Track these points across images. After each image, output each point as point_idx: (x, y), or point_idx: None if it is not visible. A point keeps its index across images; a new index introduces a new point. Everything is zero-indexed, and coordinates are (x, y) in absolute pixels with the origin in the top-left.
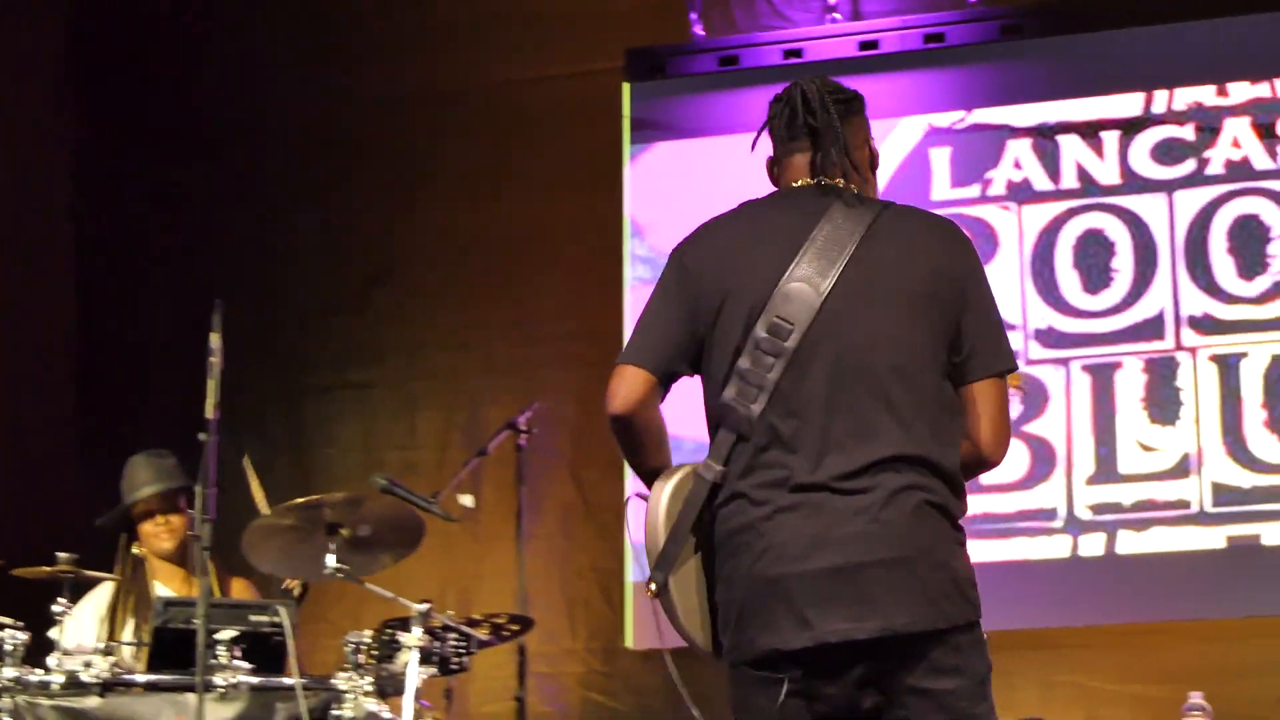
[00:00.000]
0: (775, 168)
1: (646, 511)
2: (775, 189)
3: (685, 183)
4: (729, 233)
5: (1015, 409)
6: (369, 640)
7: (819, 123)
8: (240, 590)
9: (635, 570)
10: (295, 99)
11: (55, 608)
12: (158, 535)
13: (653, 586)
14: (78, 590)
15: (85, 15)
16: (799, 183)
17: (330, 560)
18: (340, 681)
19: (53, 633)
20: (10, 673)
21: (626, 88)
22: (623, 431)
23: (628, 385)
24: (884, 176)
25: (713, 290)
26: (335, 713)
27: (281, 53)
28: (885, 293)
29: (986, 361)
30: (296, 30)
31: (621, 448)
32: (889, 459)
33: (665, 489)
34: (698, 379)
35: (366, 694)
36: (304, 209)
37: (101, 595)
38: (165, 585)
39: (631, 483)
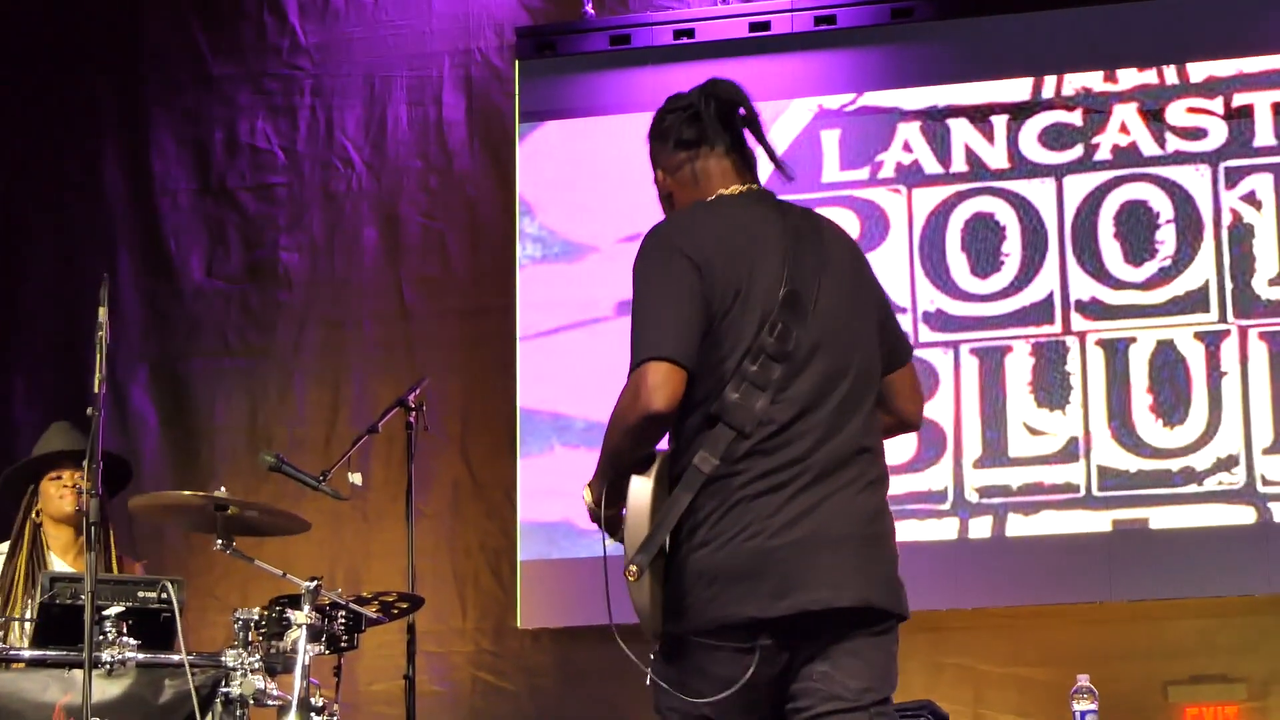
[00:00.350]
0: (686, 169)
1: (632, 498)
2: (695, 189)
3: (576, 162)
4: (720, 230)
5: None
6: (258, 617)
7: (735, 127)
8: (135, 572)
9: (524, 549)
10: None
11: None
12: (61, 496)
13: (634, 569)
14: None
15: None
16: (738, 188)
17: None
18: (229, 658)
19: None
20: None
21: (517, 65)
22: (657, 430)
23: (673, 383)
24: None
25: (726, 289)
26: (224, 690)
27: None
28: (851, 295)
29: (906, 347)
30: None
31: (640, 443)
32: (861, 450)
33: (650, 478)
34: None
35: (255, 671)
36: (185, 176)
37: None
38: (61, 558)
39: (522, 463)
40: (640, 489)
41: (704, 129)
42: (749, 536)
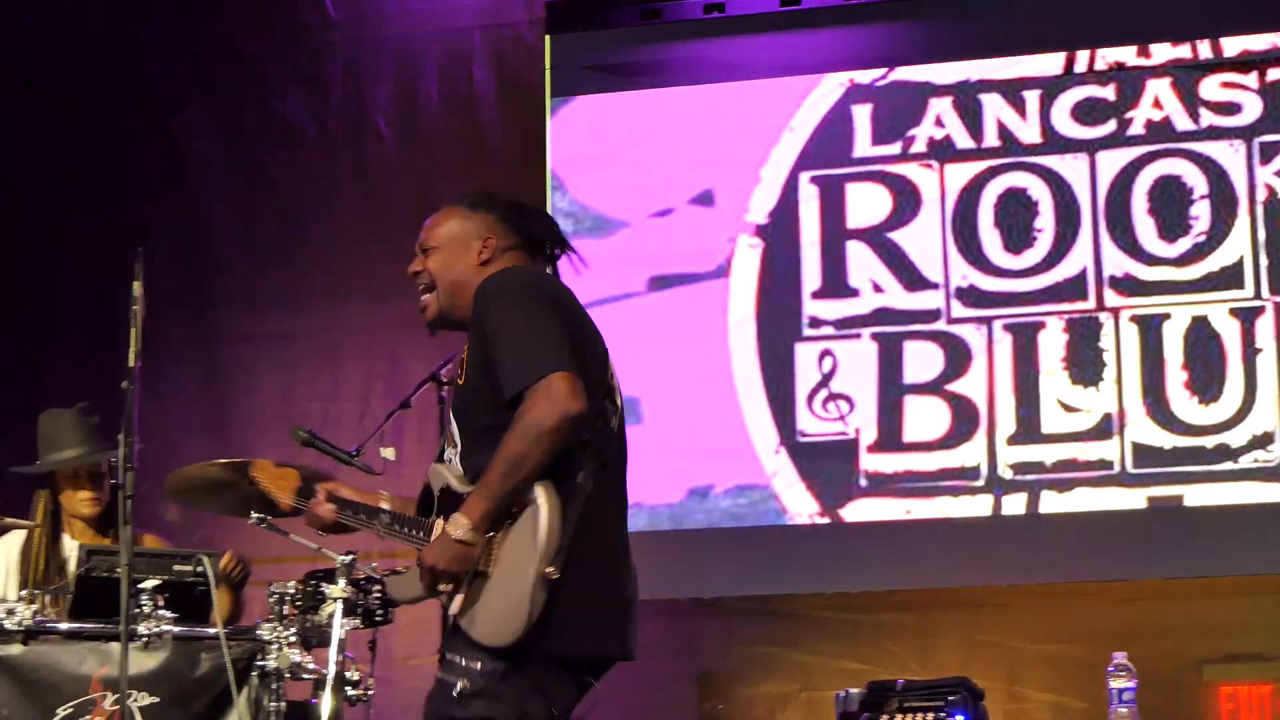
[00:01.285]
0: (500, 244)
1: (547, 508)
2: (503, 260)
3: (606, 136)
4: (570, 295)
5: None
6: (293, 591)
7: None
8: (152, 544)
9: None
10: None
11: None
12: (82, 502)
13: (553, 570)
14: None
15: None
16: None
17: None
18: (265, 632)
19: None
20: None
21: (548, 40)
22: (577, 431)
23: (581, 390)
24: (805, 134)
25: (593, 343)
26: (260, 663)
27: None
28: None
29: None
30: None
31: (558, 448)
32: None
33: (555, 491)
34: None
35: (291, 645)
36: (219, 153)
37: (12, 542)
38: (79, 540)
39: None
40: (554, 500)
41: (539, 231)
42: (613, 572)
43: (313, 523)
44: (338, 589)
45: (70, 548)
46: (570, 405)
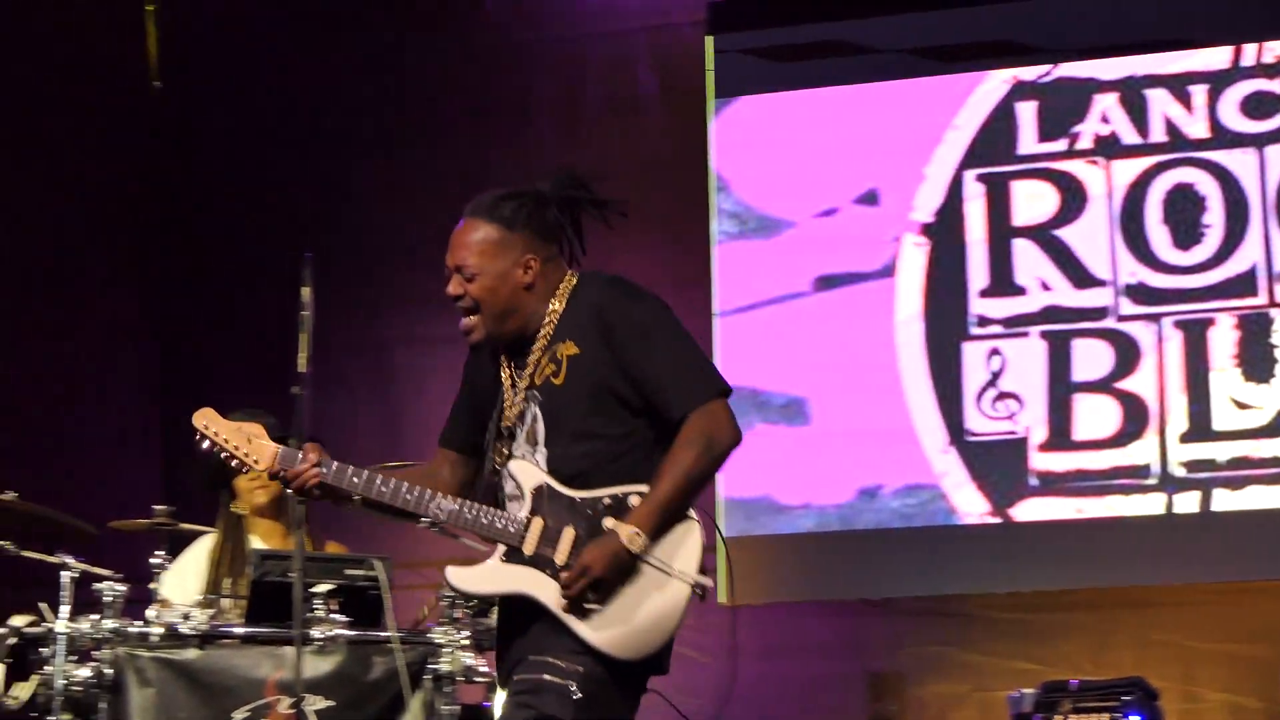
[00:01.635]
0: (541, 261)
1: (699, 528)
2: (546, 274)
3: (770, 136)
4: None
5: None
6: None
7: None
8: (334, 549)
9: (726, 526)
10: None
11: (153, 560)
12: (253, 491)
13: (702, 592)
14: (175, 543)
15: None
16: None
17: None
18: (437, 635)
19: (151, 585)
20: (110, 625)
21: (709, 40)
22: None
23: None
24: (970, 132)
25: None
26: (433, 667)
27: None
28: None
29: None
30: None
31: (717, 470)
32: None
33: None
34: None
35: (463, 648)
36: (387, 154)
37: (199, 549)
38: (264, 542)
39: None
40: (697, 527)
41: (567, 230)
42: None
43: (305, 494)
44: None
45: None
46: (738, 432)
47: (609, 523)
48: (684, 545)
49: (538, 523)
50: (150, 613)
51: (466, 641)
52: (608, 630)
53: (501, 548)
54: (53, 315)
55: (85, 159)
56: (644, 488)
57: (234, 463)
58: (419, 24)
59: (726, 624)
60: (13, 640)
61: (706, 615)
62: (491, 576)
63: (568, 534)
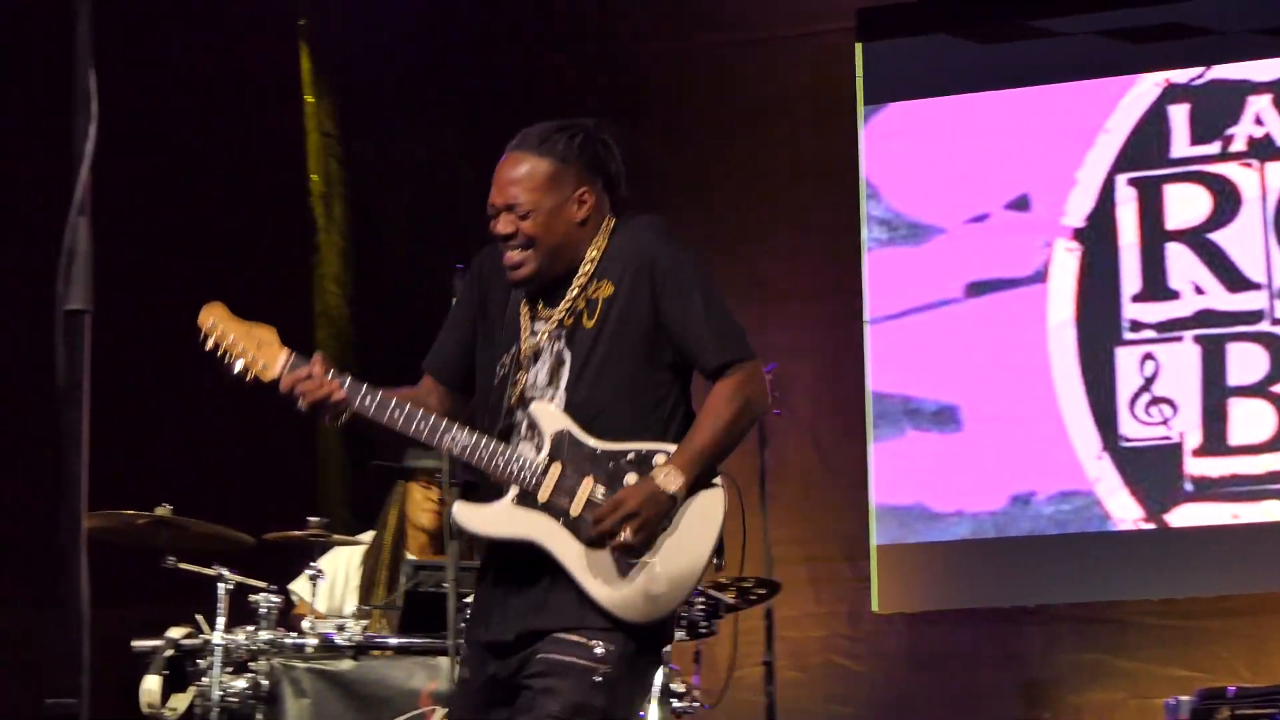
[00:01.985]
0: (600, 199)
1: (726, 495)
2: (596, 213)
3: (920, 143)
4: None
5: None
6: None
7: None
8: None
9: (878, 534)
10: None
11: (307, 571)
12: (423, 508)
13: (720, 563)
14: (324, 554)
15: None
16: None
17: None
18: None
19: (306, 595)
20: (266, 636)
21: (859, 47)
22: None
23: None
24: (1121, 135)
25: None
26: None
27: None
28: None
29: None
30: None
31: (748, 434)
32: None
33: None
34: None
35: None
36: None
37: (340, 557)
38: (416, 554)
39: (874, 447)
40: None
41: (618, 168)
42: None
43: (317, 409)
44: None
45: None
46: (769, 400)
47: (631, 478)
48: (709, 510)
49: (556, 468)
50: (305, 624)
51: None
52: (616, 590)
53: (514, 490)
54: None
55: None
56: (669, 447)
57: (238, 369)
58: (566, 30)
59: (880, 633)
60: (170, 652)
61: (859, 624)
62: (501, 519)
63: (586, 484)
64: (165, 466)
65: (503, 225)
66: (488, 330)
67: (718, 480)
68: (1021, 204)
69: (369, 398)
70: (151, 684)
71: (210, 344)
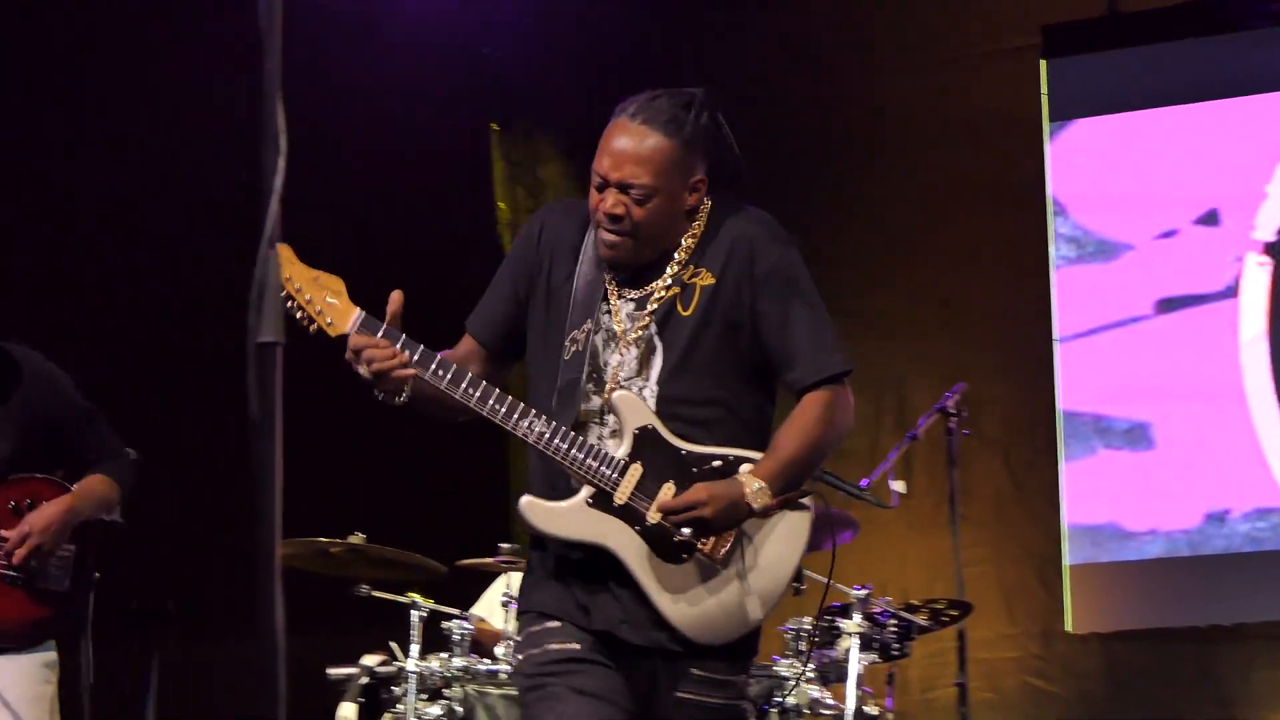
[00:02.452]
0: (703, 185)
1: (811, 516)
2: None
3: (1107, 159)
4: None
5: None
6: (809, 627)
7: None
8: None
9: (1071, 553)
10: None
11: (501, 598)
12: None
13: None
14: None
15: None
16: None
17: None
18: (783, 668)
19: (499, 622)
20: (459, 663)
21: (1044, 65)
22: None
23: None
24: None
25: None
26: (779, 699)
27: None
28: None
29: None
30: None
31: (824, 460)
32: None
33: None
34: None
35: (809, 680)
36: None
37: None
38: None
39: (1065, 466)
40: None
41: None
42: None
43: (380, 380)
44: (853, 623)
45: None
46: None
47: None
48: (795, 531)
49: (636, 470)
50: (499, 650)
51: (812, 674)
52: (689, 607)
53: (587, 489)
54: None
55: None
56: (755, 455)
57: (300, 318)
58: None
59: (1074, 653)
60: (365, 680)
61: (1053, 644)
62: (572, 519)
63: (666, 491)
64: (358, 494)
65: (611, 204)
66: (550, 299)
67: (807, 501)
68: (1211, 219)
69: (441, 370)
70: (347, 711)
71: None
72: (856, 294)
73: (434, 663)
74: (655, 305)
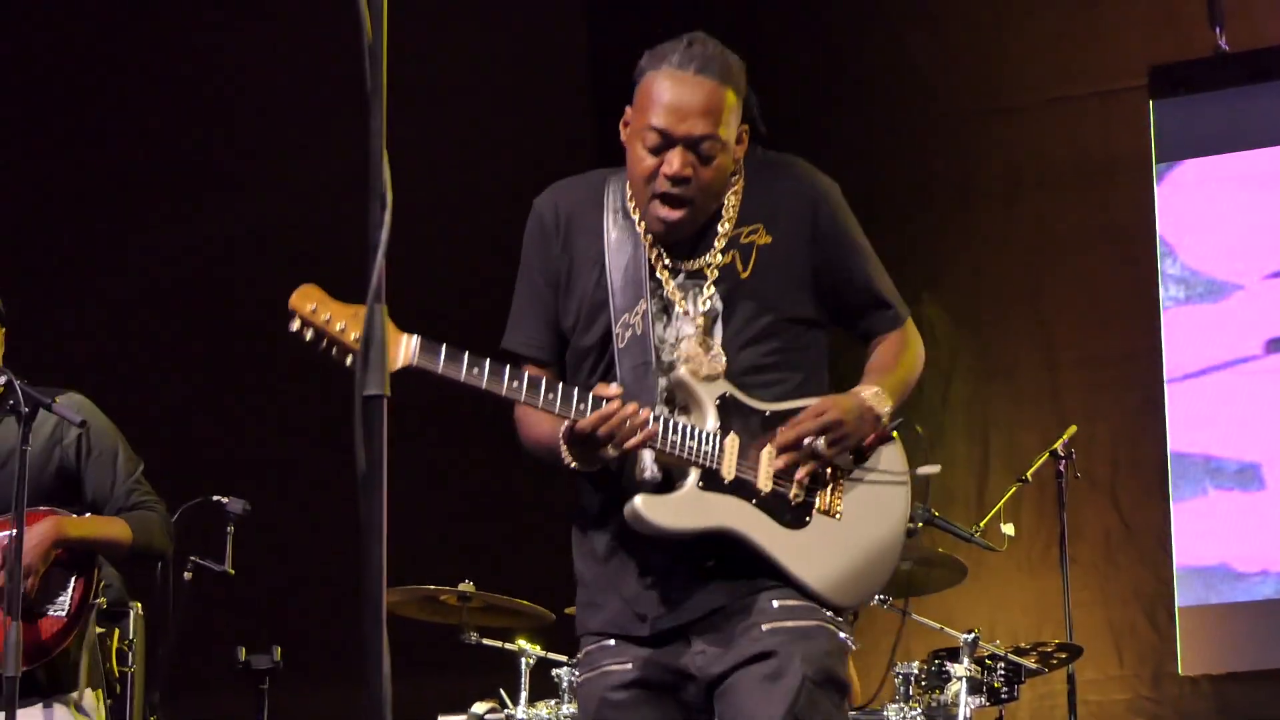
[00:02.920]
0: (746, 136)
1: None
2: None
3: (1215, 200)
4: None
5: None
6: (917, 671)
7: None
8: None
9: (1181, 595)
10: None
11: None
12: None
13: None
14: None
15: None
16: None
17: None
18: (891, 713)
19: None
20: (568, 710)
21: (1151, 105)
22: None
23: None
24: None
25: None
26: None
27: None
28: None
29: None
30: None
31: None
32: None
33: None
34: None
35: None
36: None
37: None
38: None
39: (1175, 508)
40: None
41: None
42: None
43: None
44: (962, 667)
45: None
46: None
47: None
48: (895, 464)
49: (733, 439)
50: None
51: (920, 718)
52: (827, 570)
53: (695, 473)
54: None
55: None
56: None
57: (334, 352)
58: (861, 100)
59: (1185, 695)
60: None
61: (1163, 686)
62: (692, 507)
63: (767, 453)
64: (466, 542)
65: (680, 165)
66: (582, 286)
67: (894, 433)
68: None
69: (515, 381)
70: None
71: (309, 333)
72: (966, 337)
73: (543, 709)
74: (715, 274)
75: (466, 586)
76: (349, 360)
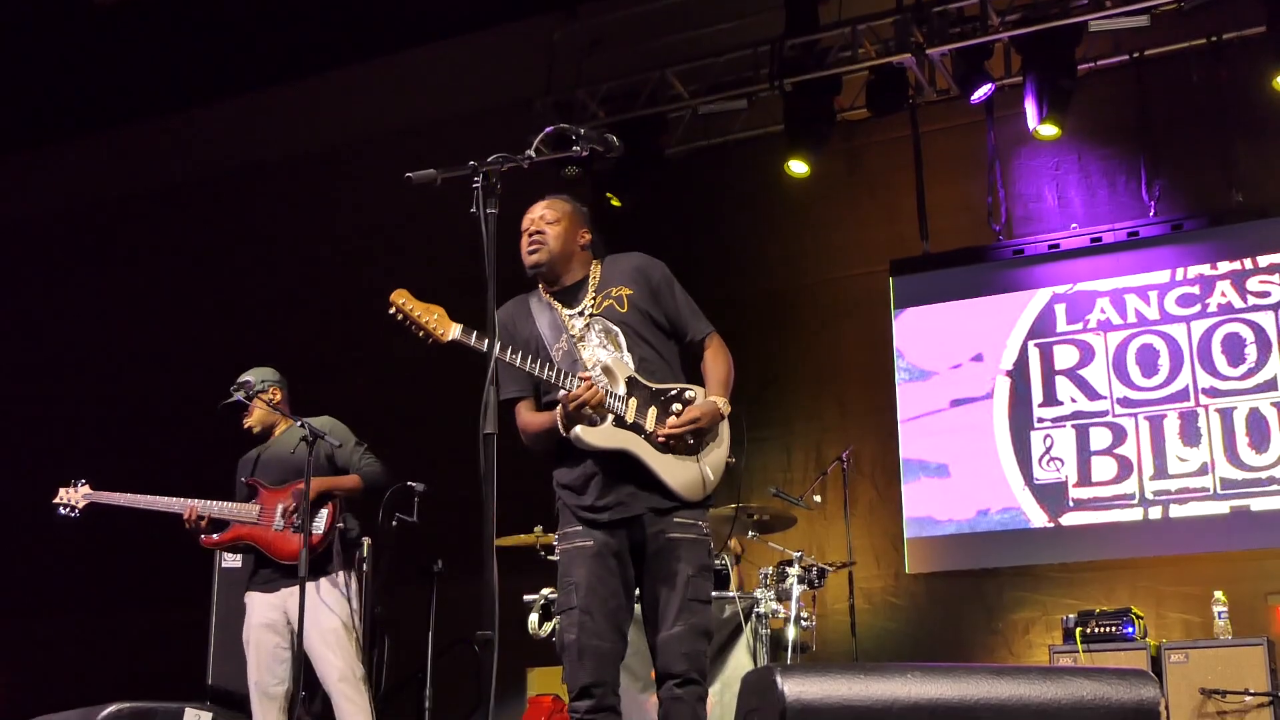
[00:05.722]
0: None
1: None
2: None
3: (924, 327)
4: None
5: None
6: (771, 571)
7: None
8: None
9: (909, 531)
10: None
11: None
12: None
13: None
14: None
15: None
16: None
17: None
18: (757, 594)
19: None
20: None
21: (891, 280)
22: None
23: None
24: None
25: None
26: (756, 610)
27: None
28: None
29: None
30: None
31: None
32: None
33: None
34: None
35: (771, 600)
36: None
37: None
38: None
39: (904, 487)
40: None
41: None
42: None
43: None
44: (794, 570)
45: None
46: None
47: (676, 407)
48: (723, 431)
49: (633, 401)
50: None
51: (773, 597)
52: (682, 478)
53: (610, 417)
54: None
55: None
56: (692, 385)
57: (418, 333)
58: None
59: (909, 583)
60: (543, 600)
61: (900, 580)
62: (610, 436)
63: (651, 412)
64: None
65: (536, 223)
66: (529, 336)
67: (726, 412)
68: (978, 357)
69: (520, 357)
70: (533, 619)
71: (400, 316)
72: (788, 409)
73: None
74: (601, 311)
75: (539, 532)
76: (421, 334)
